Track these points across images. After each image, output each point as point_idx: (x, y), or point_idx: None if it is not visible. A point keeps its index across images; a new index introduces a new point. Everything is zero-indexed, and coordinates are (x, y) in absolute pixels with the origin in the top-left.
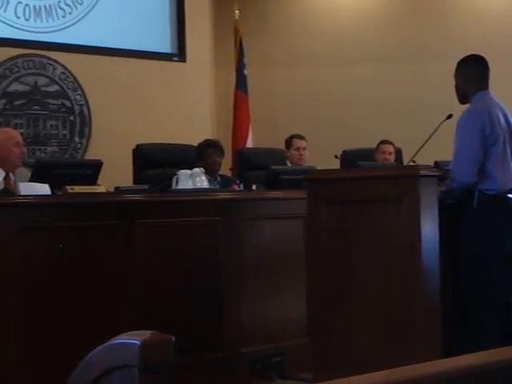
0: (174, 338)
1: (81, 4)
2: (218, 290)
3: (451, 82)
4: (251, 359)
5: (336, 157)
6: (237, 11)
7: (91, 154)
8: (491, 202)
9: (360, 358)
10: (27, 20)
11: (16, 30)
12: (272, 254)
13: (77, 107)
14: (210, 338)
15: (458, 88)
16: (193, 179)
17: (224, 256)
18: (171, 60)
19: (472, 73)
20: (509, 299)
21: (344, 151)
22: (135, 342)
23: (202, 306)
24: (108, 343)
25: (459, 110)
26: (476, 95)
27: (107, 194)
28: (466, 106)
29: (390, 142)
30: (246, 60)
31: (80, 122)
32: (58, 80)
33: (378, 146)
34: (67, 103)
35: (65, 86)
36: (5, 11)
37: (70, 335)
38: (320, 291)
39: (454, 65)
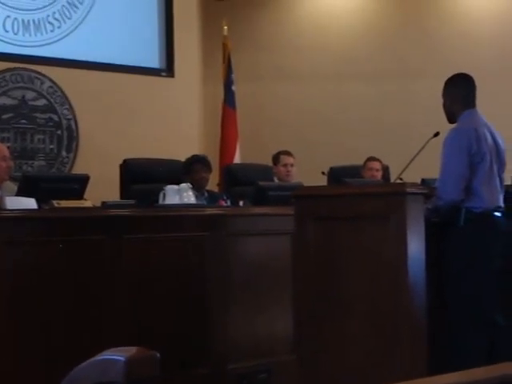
0: (158, 355)
1: (69, 18)
2: (204, 305)
3: (438, 100)
4: (238, 375)
5: (323, 173)
6: (225, 27)
7: (78, 169)
8: (478, 220)
9: (346, 374)
10: (16, 34)
11: (4, 43)
12: (259, 270)
13: (64, 121)
14: (197, 353)
15: (445, 107)
16: (180, 195)
17: (211, 271)
18: (159, 75)
19: (459, 91)
20: (495, 317)
21: (331, 168)
22: (120, 358)
23: (188, 321)
24: (93, 359)
25: (446, 127)
26: (463, 113)
27: (94, 208)
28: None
29: (377, 159)
30: (234, 76)
31: (67, 136)
32: (45, 94)
33: (366, 162)
34: (55, 117)
35: (52, 100)
36: None
37: (57, 349)
38: (307, 307)
39: (442, 83)
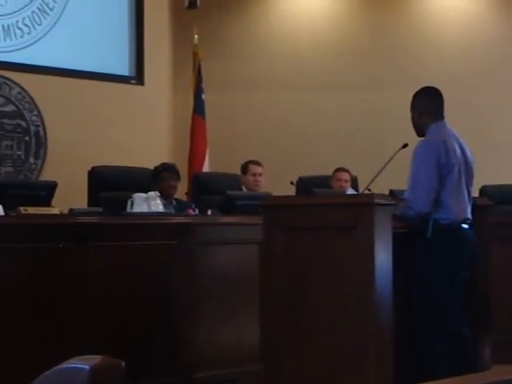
0: (123, 363)
1: (39, 24)
2: (171, 314)
3: (407, 112)
4: None
5: (292, 183)
6: (196, 35)
7: (46, 175)
8: (445, 232)
9: (314, 381)
10: None
11: None
12: (226, 279)
13: (33, 128)
14: (163, 362)
15: (414, 120)
16: (148, 203)
17: (178, 280)
18: (129, 83)
19: (427, 104)
20: (461, 328)
21: (300, 178)
22: (84, 366)
23: (155, 330)
24: (57, 367)
25: (414, 139)
26: (432, 125)
27: (61, 215)
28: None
29: (345, 170)
30: (204, 84)
31: (35, 142)
32: (14, 100)
33: (334, 173)
34: (23, 124)
35: (21, 107)
36: None
37: (22, 357)
38: (273, 317)
39: (411, 95)
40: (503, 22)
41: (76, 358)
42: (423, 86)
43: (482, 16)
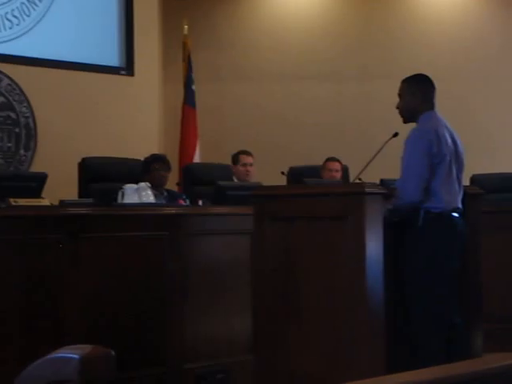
0: (113, 353)
1: (28, 16)
2: (162, 304)
3: (397, 101)
4: (195, 375)
5: (283, 173)
6: (186, 26)
7: (36, 167)
8: (436, 221)
9: (305, 374)
10: None
11: None
12: (218, 270)
13: (22, 119)
14: (154, 352)
15: (404, 106)
16: (139, 193)
17: (169, 271)
18: (119, 74)
19: (421, 91)
20: (453, 317)
21: (291, 168)
22: (74, 356)
23: (146, 320)
24: (47, 357)
25: (405, 128)
26: (423, 114)
27: (51, 207)
28: (411, 124)
29: (336, 160)
30: (194, 75)
31: (25, 134)
32: (3, 92)
33: (325, 163)
34: (13, 115)
35: (11, 98)
36: None
37: (12, 348)
38: (265, 307)
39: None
40: (496, 14)
41: (66, 347)
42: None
43: (475, 7)
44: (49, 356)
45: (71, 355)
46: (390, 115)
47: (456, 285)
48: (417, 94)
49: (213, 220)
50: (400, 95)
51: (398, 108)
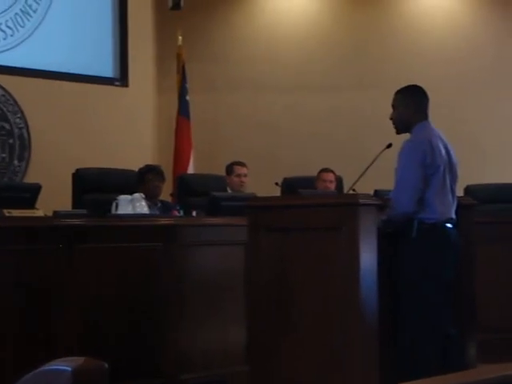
0: (107, 365)
1: (23, 27)
2: (157, 315)
3: (391, 112)
4: None
5: (277, 184)
6: (180, 37)
7: (30, 178)
8: (430, 231)
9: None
10: None
11: None
12: (212, 281)
13: (16, 130)
14: (150, 363)
15: (397, 117)
16: (133, 204)
17: (164, 282)
18: (113, 84)
19: (415, 102)
20: (447, 328)
21: (285, 178)
22: (67, 368)
23: (141, 331)
24: (39, 369)
25: (399, 139)
26: (417, 125)
27: (45, 218)
28: (405, 135)
29: (330, 170)
30: (188, 85)
31: (19, 145)
32: None
33: (319, 173)
34: (6, 126)
35: (5, 109)
36: None
37: (5, 359)
38: (260, 318)
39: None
40: (489, 24)
41: (59, 359)
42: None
43: (468, 18)
44: (41, 368)
45: (64, 367)
46: (384, 126)
47: (450, 295)
48: (410, 105)
49: (207, 231)
50: (394, 106)
51: (391, 119)
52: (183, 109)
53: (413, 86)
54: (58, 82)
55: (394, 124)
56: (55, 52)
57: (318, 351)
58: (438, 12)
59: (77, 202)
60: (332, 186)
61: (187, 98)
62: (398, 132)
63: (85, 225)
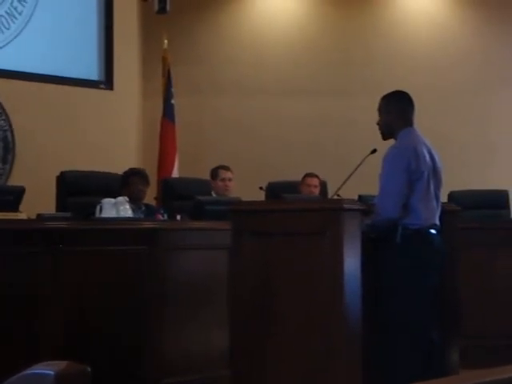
0: (89, 369)
1: (8, 29)
2: (140, 319)
3: (376, 118)
4: None
5: (261, 188)
6: (165, 40)
7: (14, 180)
8: (414, 237)
9: None
10: None
11: None
12: (195, 285)
13: (0, 132)
14: (132, 367)
15: (383, 123)
16: (117, 208)
17: (147, 285)
18: (98, 87)
19: (399, 109)
20: (429, 333)
21: (269, 183)
22: (49, 372)
23: (123, 335)
24: (22, 373)
25: (383, 144)
26: (402, 131)
27: (29, 221)
28: (390, 141)
29: (315, 175)
30: (173, 89)
31: (3, 147)
32: None
33: (303, 178)
34: None
35: None
36: None
37: None
38: (243, 322)
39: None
40: (475, 33)
41: (42, 363)
42: (393, 90)
43: (453, 23)
44: (24, 372)
45: (47, 371)
46: (369, 132)
47: (434, 301)
48: (395, 111)
49: (191, 235)
50: (379, 111)
51: (378, 124)
52: (168, 112)
53: (398, 92)
54: (42, 84)
55: (379, 129)
56: (40, 54)
57: (301, 356)
58: (423, 17)
59: (61, 204)
60: (316, 191)
61: (172, 101)
62: (384, 138)
63: (68, 228)
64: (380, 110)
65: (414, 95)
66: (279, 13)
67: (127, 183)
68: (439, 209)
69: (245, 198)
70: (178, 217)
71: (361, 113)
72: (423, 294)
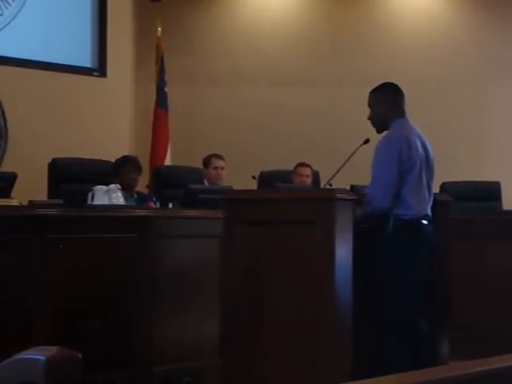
0: (80, 355)
1: (1, 15)
2: (131, 306)
3: (368, 110)
4: (163, 378)
5: (254, 177)
6: (159, 28)
7: (6, 167)
8: (405, 227)
9: (272, 376)
10: None
11: None
12: (187, 273)
13: None
14: (122, 355)
15: (374, 116)
16: (109, 195)
17: (138, 273)
18: (91, 75)
19: (391, 100)
20: (419, 324)
21: (262, 172)
22: (40, 357)
23: (114, 322)
24: (13, 358)
25: (376, 135)
26: (395, 122)
27: (21, 207)
28: (384, 132)
29: (307, 165)
30: (166, 77)
31: None
32: None
33: (296, 168)
34: None
35: None
36: None
37: None
38: (234, 312)
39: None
40: (472, 25)
41: (32, 348)
42: (385, 81)
43: (447, 16)
44: (15, 357)
45: (37, 357)
46: (362, 122)
47: (424, 291)
48: (385, 103)
49: (183, 223)
50: (370, 105)
51: (369, 119)
52: (161, 100)
53: (386, 83)
54: (35, 71)
55: (372, 124)
56: (33, 41)
57: (290, 344)
58: (418, 8)
59: (53, 191)
60: (308, 181)
61: (165, 89)
62: (379, 131)
63: (60, 215)
64: (370, 103)
65: (409, 87)
66: (274, 3)
67: (119, 171)
68: (431, 199)
69: (237, 187)
70: (170, 205)
71: (354, 103)
72: (413, 284)
